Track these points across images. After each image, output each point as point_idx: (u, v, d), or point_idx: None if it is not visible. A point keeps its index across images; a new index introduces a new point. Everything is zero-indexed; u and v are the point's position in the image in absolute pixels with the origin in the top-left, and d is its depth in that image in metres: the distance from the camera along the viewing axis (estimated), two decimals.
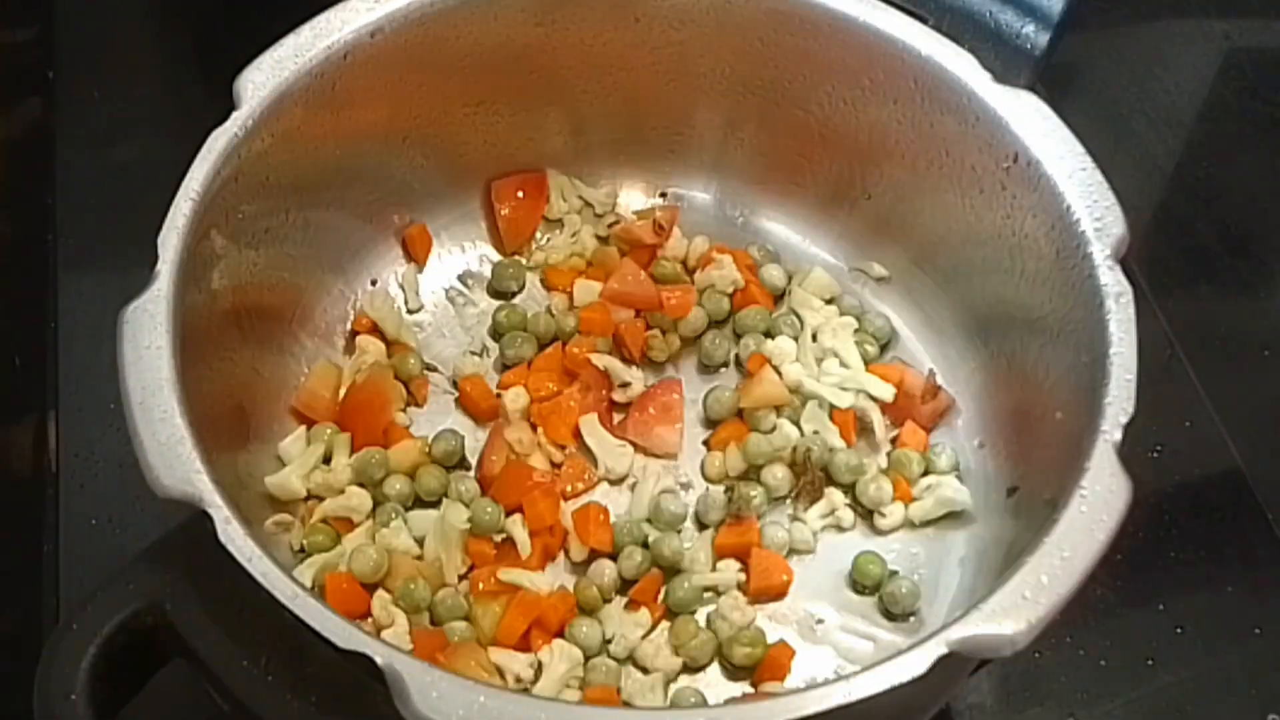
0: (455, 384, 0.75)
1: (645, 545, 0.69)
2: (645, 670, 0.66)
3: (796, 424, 0.73)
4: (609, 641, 0.66)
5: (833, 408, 0.73)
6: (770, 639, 0.66)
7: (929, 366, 0.75)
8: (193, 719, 0.65)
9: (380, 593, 0.66)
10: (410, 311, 0.78)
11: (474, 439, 0.73)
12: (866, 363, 0.75)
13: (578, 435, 0.73)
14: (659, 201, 0.83)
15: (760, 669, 0.66)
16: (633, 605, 0.67)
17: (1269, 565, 0.78)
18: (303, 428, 0.71)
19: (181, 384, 0.57)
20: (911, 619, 0.68)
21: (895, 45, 0.70)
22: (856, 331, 0.76)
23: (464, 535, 0.68)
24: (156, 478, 0.54)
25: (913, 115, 0.72)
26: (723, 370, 0.77)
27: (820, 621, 0.68)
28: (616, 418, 0.74)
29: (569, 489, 0.71)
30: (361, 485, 0.70)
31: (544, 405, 0.73)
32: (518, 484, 0.69)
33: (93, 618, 0.55)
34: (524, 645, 0.66)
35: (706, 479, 0.73)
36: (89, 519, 0.75)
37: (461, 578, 0.68)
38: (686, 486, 0.73)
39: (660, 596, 0.68)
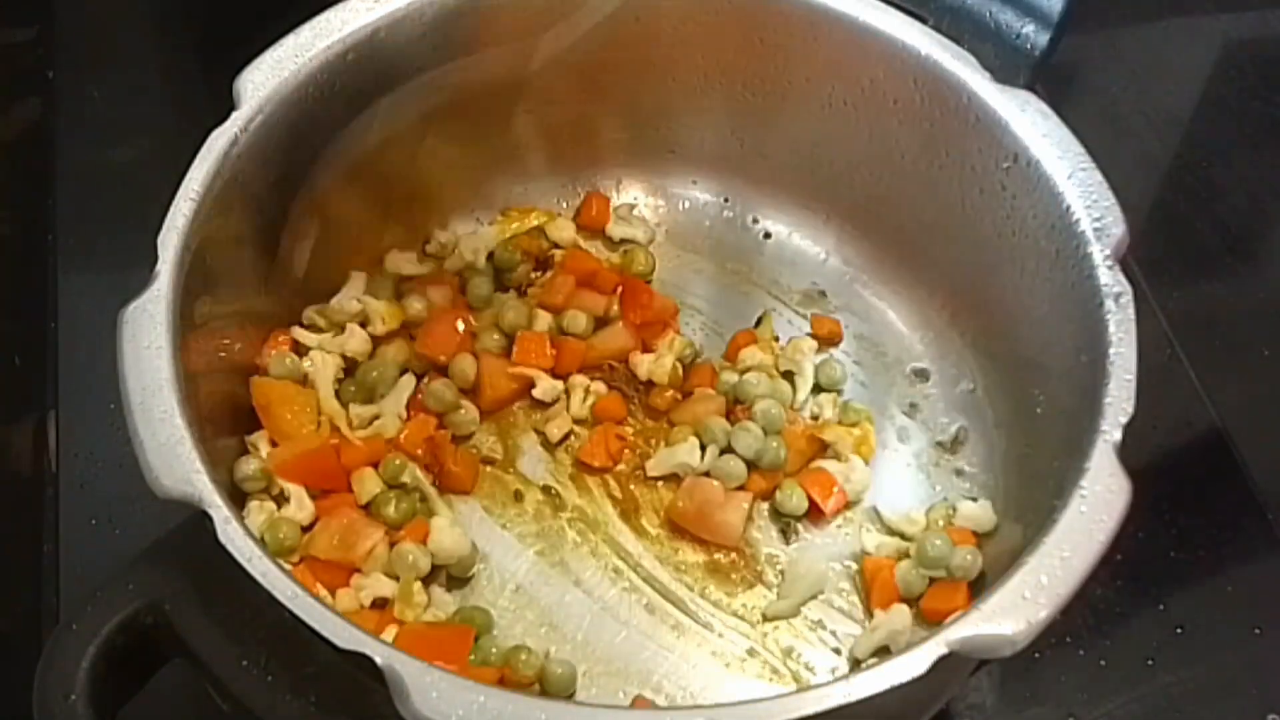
0: None
1: None
2: None
3: None
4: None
5: None
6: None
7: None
8: (193, 719, 0.65)
9: None
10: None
11: None
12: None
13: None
14: (661, 203, 0.83)
15: None
16: None
17: (1269, 565, 0.78)
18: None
19: (181, 384, 0.57)
20: None
21: (895, 45, 0.70)
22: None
23: None
24: (156, 478, 0.54)
25: (913, 115, 0.72)
26: None
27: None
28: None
29: None
30: None
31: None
32: None
33: (93, 618, 0.55)
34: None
35: None
36: (89, 519, 0.75)
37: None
38: None
39: None
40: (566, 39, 0.75)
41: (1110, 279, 0.62)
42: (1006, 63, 0.69)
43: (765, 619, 0.68)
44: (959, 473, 0.73)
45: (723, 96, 0.78)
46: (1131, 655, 0.73)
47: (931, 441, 0.74)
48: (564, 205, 0.83)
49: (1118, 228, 0.64)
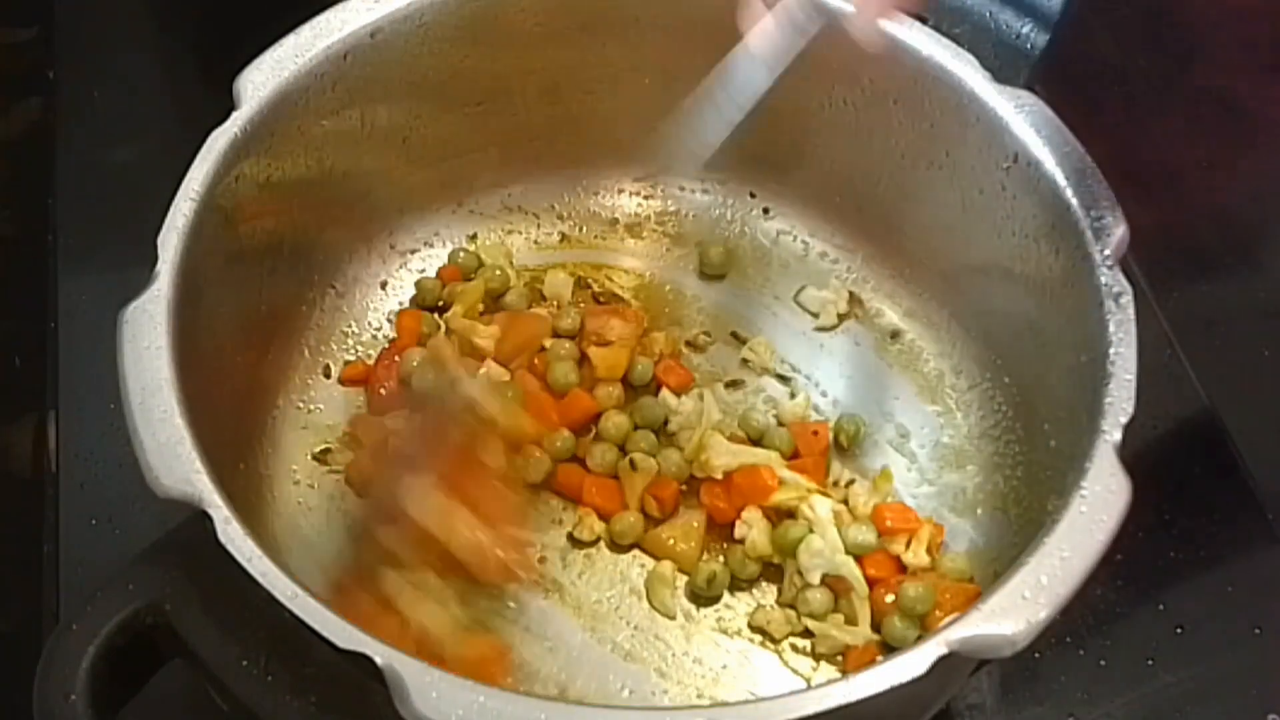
0: None
1: None
2: None
3: None
4: None
5: None
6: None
7: None
8: (193, 719, 0.65)
9: None
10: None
11: None
12: None
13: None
14: (661, 203, 0.83)
15: None
16: None
17: (1269, 565, 0.78)
18: None
19: (181, 384, 0.57)
20: None
21: (895, 45, 0.70)
22: None
23: None
24: (156, 478, 0.54)
25: (913, 115, 0.72)
26: None
27: None
28: None
29: None
30: None
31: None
32: None
33: (93, 618, 0.55)
34: None
35: None
36: (89, 519, 0.75)
37: None
38: None
39: None
40: (565, 38, 0.75)
41: (1110, 279, 0.62)
42: (1006, 63, 0.69)
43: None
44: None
45: None
46: (1131, 655, 0.73)
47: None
48: (564, 201, 0.83)
49: (1118, 228, 0.64)
